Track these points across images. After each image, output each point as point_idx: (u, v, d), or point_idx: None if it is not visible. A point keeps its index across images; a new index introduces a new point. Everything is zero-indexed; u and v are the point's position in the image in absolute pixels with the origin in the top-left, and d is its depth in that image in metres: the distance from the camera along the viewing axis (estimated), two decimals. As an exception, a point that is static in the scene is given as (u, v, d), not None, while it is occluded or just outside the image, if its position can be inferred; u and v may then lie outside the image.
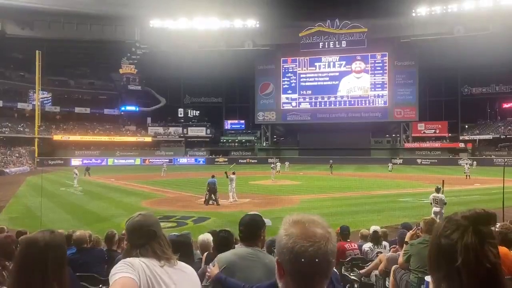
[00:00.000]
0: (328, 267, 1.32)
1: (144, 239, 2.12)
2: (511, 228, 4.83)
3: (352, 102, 71.82)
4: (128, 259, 1.98)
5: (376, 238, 7.92)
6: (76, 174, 32.24)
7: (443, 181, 14.46)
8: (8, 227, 12.98)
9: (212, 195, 20.78)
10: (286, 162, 52.96)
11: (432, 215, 12.51)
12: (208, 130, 79.82)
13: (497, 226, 5.07)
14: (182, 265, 2.16)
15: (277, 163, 46.40)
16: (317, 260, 1.28)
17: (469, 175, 36.00)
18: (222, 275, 2.96)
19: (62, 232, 7.96)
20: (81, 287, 4.05)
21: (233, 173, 22.18)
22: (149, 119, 79.81)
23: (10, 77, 70.21)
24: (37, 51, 59.36)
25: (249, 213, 3.41)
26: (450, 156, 64.63)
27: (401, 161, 63.63)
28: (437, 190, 14.24)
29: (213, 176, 21.00)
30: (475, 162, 48.44)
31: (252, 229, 3.17)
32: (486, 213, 1.27)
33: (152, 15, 66.68)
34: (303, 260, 1.28)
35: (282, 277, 1.36)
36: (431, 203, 14.35)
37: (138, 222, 2.20)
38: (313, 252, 1.28)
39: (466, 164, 40.70)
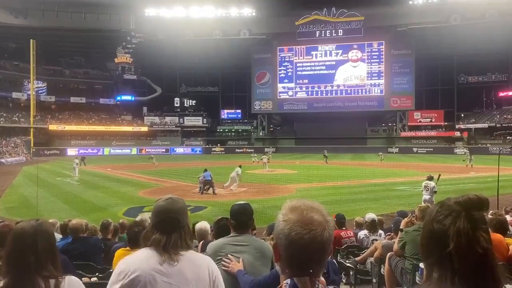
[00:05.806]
0: (323, 255, 1.34)
1: (164, 225, 2.04)
2: (503, 215, 4.89)
3: (349, 91, 71.69)
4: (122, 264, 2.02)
5: (373, 227, 7.98)
6: (77, 164, 32.07)
7: (439, 174, 14.57)
8: (4, 217, 13.01)
9: (208, 186, 20.87)
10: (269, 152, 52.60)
11: (423, 203, 12.65)
12: (205, 120, 79.51)
13: (490, 213, 5.12)
14: (183, 264, 1.99)
15: (269, 153, 46.59)
16: (312, 247, 1.29)
17: (471, 164, 35.92)
18: (243, 271, 2.87)
19: (55, 221, 7.99)
20: (78, 276, 4.06)
21: (240, 166, 22.62)
22: (145, 109, 79.41)
23: (4, 66, 69.60)
24: (31, 40, 58.59)
25: (237, 202, 3.45)
26: (446, 145, 64.94)
27: (397, 150, 63.83)
28: (429, 178, 14.40)
29: (205, 170, 21.04)
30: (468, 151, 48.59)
31: (241, 218, 3.23)
32: (478, 198, 1.27)
33: (147, 3, 65.96)
34: (298, 246, 1.29)
35: (278, 260, 1.39)
36: (422, 190, 14.62)
37: (162, 206, 2.10)
38: (309, 239, 1.29)
39: (466, 153, 40.82)
